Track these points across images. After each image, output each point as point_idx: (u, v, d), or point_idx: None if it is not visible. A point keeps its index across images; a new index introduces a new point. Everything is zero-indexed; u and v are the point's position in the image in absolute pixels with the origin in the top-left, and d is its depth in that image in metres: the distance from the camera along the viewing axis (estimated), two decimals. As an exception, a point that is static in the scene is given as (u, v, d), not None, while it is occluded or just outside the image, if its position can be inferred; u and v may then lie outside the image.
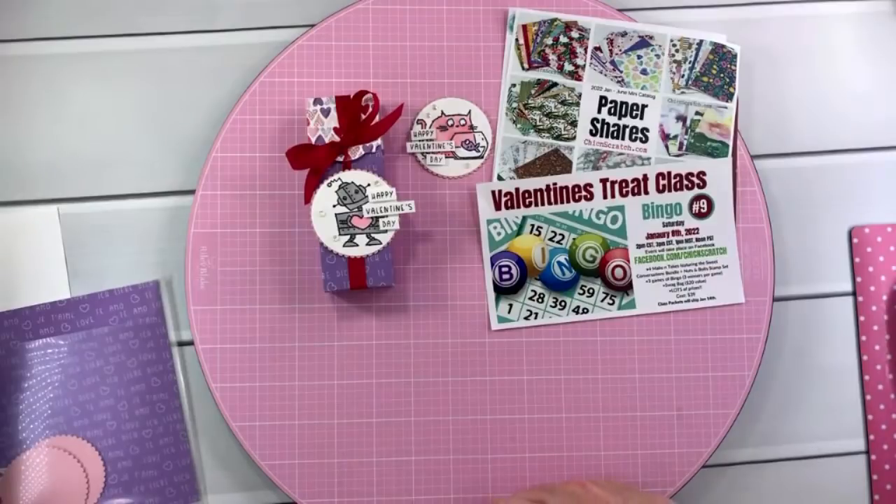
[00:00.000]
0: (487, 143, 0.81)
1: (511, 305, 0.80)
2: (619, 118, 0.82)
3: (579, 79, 0.82)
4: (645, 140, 0.82)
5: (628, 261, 0.81)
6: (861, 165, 0.85)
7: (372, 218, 0.76)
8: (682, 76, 0.82)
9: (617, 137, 0.82)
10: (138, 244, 0.81)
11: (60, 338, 0.79)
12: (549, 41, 0.82)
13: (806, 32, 0.86)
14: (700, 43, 0.83)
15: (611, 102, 0.82)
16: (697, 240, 0.81)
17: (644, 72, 0.82)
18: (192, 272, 0.79)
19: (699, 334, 0.81)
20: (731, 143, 0.82)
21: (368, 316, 0.80)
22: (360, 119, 0.77)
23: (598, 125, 0.82)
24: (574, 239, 0.81)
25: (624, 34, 0.82)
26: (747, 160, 0.82)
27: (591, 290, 0.81)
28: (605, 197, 0.81)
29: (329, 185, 0.76)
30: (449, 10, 0.82)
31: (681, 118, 0.82)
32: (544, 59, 0.82)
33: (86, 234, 0.81)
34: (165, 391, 0.79)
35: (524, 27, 0.82)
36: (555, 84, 0.82)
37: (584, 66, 0.82)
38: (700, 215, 0.81)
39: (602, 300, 0.81)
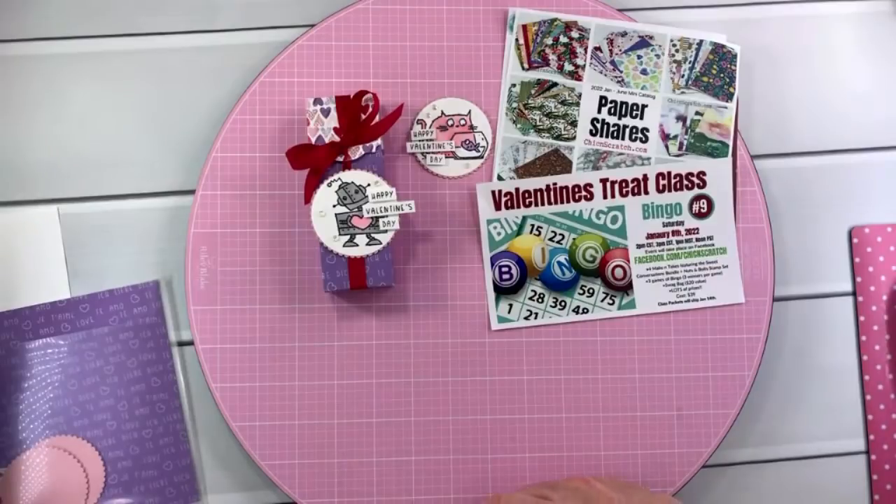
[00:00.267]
0: (487, 143, 0.81)
1: (511, 305, 0.80)
2: (619, 118, 0.82)
3: (579, 79, 0.82)
4: (645, 140, 0.82)
5: (628, 261, 0.81)
6: (861, 165, 0.85)
7: (372, 218, 0.76)
8: (682, 76, 0.82)
9: (617, 137, 0.82)
10: (138, 244, 0.81)
11: (60, 338, 0.79)
12: (549, 41, 0.82)
13: (806, 32, 0.86)
14: (700, 43, 0.83)
15: (611, 102, 0.82)
16: (697, 240, 0.81)
17: (644, 72, 0.82)
18: (192, 272, 0.79)
19: (699, 334, 0.81)
20: (731, 143, 0.82)
21: (368, 316, 0.80)
22: (360, 119, 0.77)
23: (598, 125, 0.82)
24: (574, 239, 0.81)
25: (624, 34, 0.82)
26: (747, 160, 0.82)
27: (591, 290, 0.81)
28: (605, 197, 0.81)
29: (329, 185, 0.76)
30: (449, 10, 0.82)
31: (681, 118, 0.82)
32: (544, 59, 0.82)
33: (86, 234, 0.81)
34: (165, 391, 0.79)
35: (524, 27, 0.82)
36: (555, 84, 0.82)
37: (584, 66, 0.82)
38: (700, 215, 0.81)
39: (602, 300, 0.81)
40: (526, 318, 0.80)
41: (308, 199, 0.76)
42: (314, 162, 0.77)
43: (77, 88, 0.82)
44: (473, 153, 0.81)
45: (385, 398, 0.79)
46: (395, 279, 0.80)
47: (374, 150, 0.77)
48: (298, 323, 0.79)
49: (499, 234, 0.81)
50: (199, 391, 0.80)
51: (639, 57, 0.82)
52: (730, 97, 0.82)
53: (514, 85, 0.82)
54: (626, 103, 0.82)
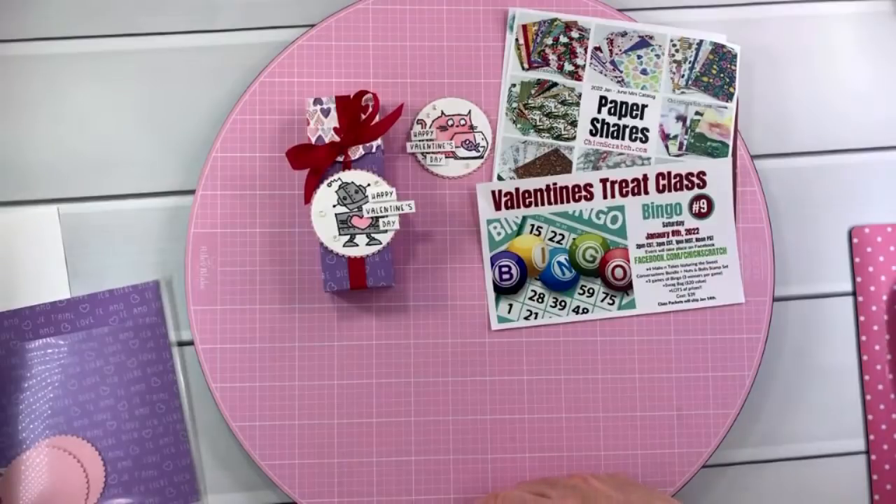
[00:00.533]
0: (487, 143, 0.81)
1: (511, 305, 0.80)
2: (619, 118, 0.82)
3: (579, 79, 0.82)
4: (645, 140, 0.82)
5: (628, 261, 0.81)
6: (861, 165, 0.85)
7: (372, 218, 0.76)
8: (682, 76, 0.82)
9: (617, 137, 0.82)
10: (138, 244, 0.81)
11: (60, 338, 0.79)
12: (549, 41, 0.82)
13: (806, 32, 0.86)
14: (700, 43, 0.83)
15: (611, 102, 0.82)
16: (697, 240, 0.81)
17: (644, 72, 0.82)
18: (192, 272, 0.79)
19: (699, 334, 0.81)
20: (731, 143, 0.82)
21: (368, 316, 0.80)
22: (360, 119, 0.77)
23: (598, 125, 0.82)
24: (574, 239, 0.81)
25: (624, 34, 0.82)
26: (747, 160, 0.82)
27: (591, 290, 0.81)
28: (605, 197, 0.81)
29: (329, 185, 0.76)
30: (449, 10, 0.82)
31: (681, 118, 0.82)
32: (544, 59, 0.82)
33: (86, 234, 0.81)
34: (165, 391, 0.79)
35: (524, 27, 0.82)
36: (555, 84, 0.82)
37: (584, 66, 0.82)
38: (700, 215, 0.81)
39: (602, 300, 0.81)
40: (526, 318, 0.80)
41: (308, 199, 0.76)
42: (314, 162, 0.77)
43: (77, 88, 0.82)
44: (473, 153, 0.81)
45: (385, 398, 0.79)
46: (395, 279, 0.80)
47: (374, 150, 0.77)
48: (298, 323, 0.79)
49: (499, 234, 0.81)
50: (199, 391, 0.80)
51: (639, 57, 0.82)
52: (730, 97, 0.82)
53: (514, 85, 0.82)
54: (626, 103, 0.82)
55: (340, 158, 0.77)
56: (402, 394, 0.79)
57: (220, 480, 0.80)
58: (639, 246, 0.81)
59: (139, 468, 0.78)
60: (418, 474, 0.79)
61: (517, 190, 0.81)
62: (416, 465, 0.79)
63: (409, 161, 0.81)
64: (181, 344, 0.80)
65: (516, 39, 0.82)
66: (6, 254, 0.80)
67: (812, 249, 0.84)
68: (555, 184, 0.81)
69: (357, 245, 0.76)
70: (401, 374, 0.79)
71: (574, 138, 0.82)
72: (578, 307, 0.81)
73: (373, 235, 0.76)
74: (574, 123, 0.82)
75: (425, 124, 0.81)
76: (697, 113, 0.82)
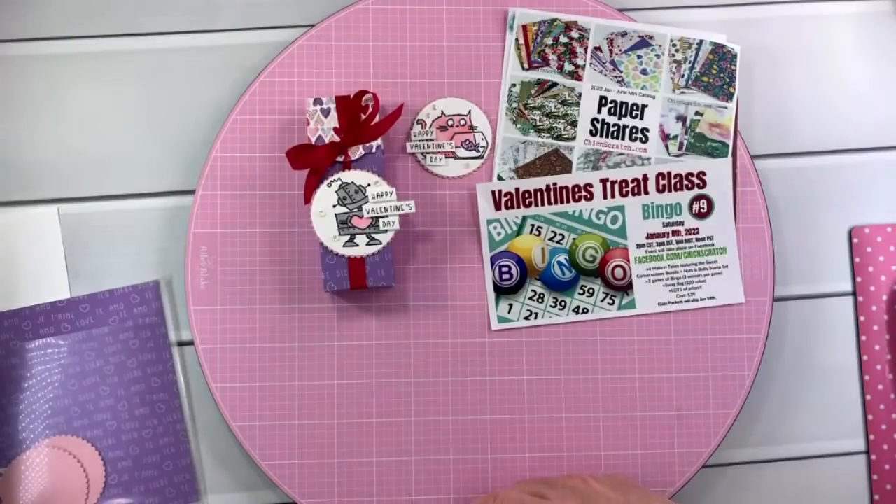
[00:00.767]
0: (487, 143, 0.81)
1: (511, 305, 0.80)
2: (619, 118, 0.82)
3: (579, 79, 0.82)
4: (645, 140, 0.82)
5: (628, 261, 0.81)
6: (861, 165, 0.85)
7: (372, 218, 0.76)
8: (682, 76, 0.82)
9: (617, 137, 0.82)
10: (138, 244, 0.81)
11: (60, 338, 0.79)
12: (549, 41, 0.82)
13: (806, 32, 0.86)
14: (700, 43, 0.83)
15: (611, 102, 0.82)
16: (697, 240, 0.81)
17: (644, 72, 0.82)
18: (192, 272, 0.79)
19: (699, 334, 0.81)
20: (731, 143, 0.82)
21: (368, 316, 0.80)
22: (360, 119, 0.77)
23: (598, 125, 0.82)
24: (574, 239, 0.81)
25: (624, 34, 0.82)
26: (747, 160, 0.82)
27: (591, 290, 0.81)
28: (605, 197, 0.81)
29: (329, 185, 0.76)
30: (449, 10, 0.82)
31: (681, 118, 0.82)
32: (544, 59, 0.82)
33: (86, 234, 0.81)
34: (165, 391, 0.79)
35: (524, 27, 0.82)
36: (555, 84, 0.82)
37: (584, 66, 0.82)
38: (700, 215, 0.81)
39: (602, 300, 0.81)
40: (526, 318, 0.80)
41: (308, 199, 0.76)
42: (314, 162, 0.77)
43: (77, 88, 0.82)
44: (473, 153, 0.81)
45: (385, 398, 0.79)
46: (395, 279, 0.80)
47: (374, 150, 0.77)
48: (298, 323, 0.79)
49: (499, 234, 0.81)
50: (199, 391, 0.80)
51: (639, 57, 0.82)
52: (730, 97, 0.82)
53: (514, 85, 0.82)
54: (626, 103, 0.82)
55: (340, 158, 0.77)
56: (402, 394, 0.79)
57: (220, 480, 0.80)
58: (639, 246, 0.81)
59: (139, 468, 0.78)
60: (418, 474, 0.79)
61: (517, 190, 0.81)
62: (416, 465, 0.79)
63: (409, 161, 0.81)
64: (181, 344, 0.80)
65: (516, 39, 0.82)
66: (6, 254, 0.80)
67: (812, 249, 0.84)
68: (555, 184, 0.81)
69: (357, 245, 0.76)
70: (401, 374, 0.79)
71: (574, 138, 0.82)
72: (578, 307, 0.81)
73: (373, 235, 0.76)
74: (574, 123, 0.82)
75: (425, 124, 0.81)
76: (697, 113, 0.82)
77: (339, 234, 0.76)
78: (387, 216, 0.76)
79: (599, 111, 0.82)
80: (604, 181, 0.81)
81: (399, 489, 0.78)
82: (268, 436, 0.78)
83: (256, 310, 0.79)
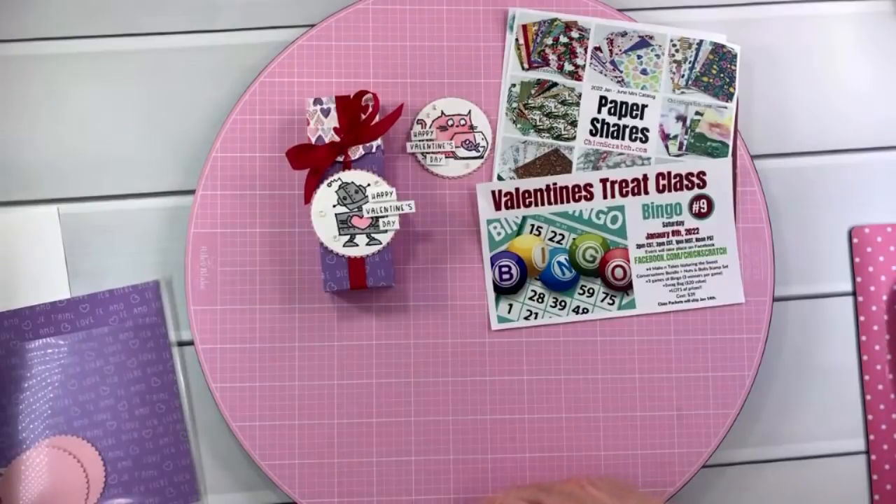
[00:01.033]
0: (487, 143, 0.81)
1: (511, 305, 0.80)
2: (619, 118, 0.82)
3: (579, 79, 0.82)
4: (645, 140, 0.82)
5: (628, 261, 0.81)
6: (861, 165, 0.85)
7: (372, 218, 0.76)
8: (682, 76, 0.82)
9: (617, 137, 0.82)
10: (138, 244, 0.81)
11: (60, 338, 0.79)
12: (549, 41, 0.82)
13: (806, 32, 0.86)
14: (700, 43, 0.83)
15: (611, 102, 0.82)
16: (697, 240, 0.81)
17: (644, 72, 0.82)
18: (192, 272, 0.79)
19: (699, 334, 0.81)
20: (731, 143, 0.82)
21: (368, 316, 0.80)
22: (360, 119, 0.77)
23: (598, 125, 0.82)
24: (574, 239, 0.81)
25: (624, 34, 0.82)
26: (747, 160, 0.82)
27: (591, 290, 0.81)
28: (605, 197, 0.81)
29: (329, 185, 0.76)
30: (449, 10, 0.82)
31: (681, 118, 0.82)
32: (544, 59, 0.82)
33: (86, 234, 0.81)
34: (165, 391, 0.79)
35: (524, 27, 0.82)
36: (555, 84, 0.82)
37: (584, 66, 0.82)
38: (700, 215, 0.81)
39: (602, 300, 0.81)
40: (526, 318, 0.80)
41: (308, 199, 0.76)
42: (314, 162, 0.77)
43: (77, 88, 0.82)
44: (473, 153, 0.81)
45: (385, 398, 0.79)
46: (395, 279, 0.80)
47: (374, 150, 0.77)
48: (298, 323, 0.79)
49: (499, 234, 0.81)
50: (199, 391, 0.80)
51: (639, 57, 0.82)
52: (730, 97, 0.82)
53: (514, 85, 0.82)
54: (626, 103, 0.82)
55: (340, 158, 0.77)
56: (402, 394, 0.79)
57: (220, 480, 0.80)
58: (639, 246, 0.81)
59: (139, 468, 0.78)
60: (418, 474, 0.79)
61: (517, 190, 0.81)
62: (416, 465, 0.79)
63: (409, 161, 0.81)
64: (181, 344, 0.80)
65: (516, 39, 0.82)
66: (6, 254, 0.80)
67: (812, 249, 0.84)
68: (555, 184, 0.81)
69: (357, 245, 0.76)
70: (401, 374, 0.79)
71: (574, 138, 0.82)
72: (578, 307, 0.81)
73: (373, 235, 0.76)
74: (574, 123, 0.82)
75: (425, 124, 0.81)
76: (697, 113, 0.82)
77: (339, 234, 0.76)
78: (387, 216, 0.76)
79: (599, 111, 0.82)
80: (604, 181, 0.81)
81: (399, 489, 0.78)
82: (268, 436, 0.78)
83: (256, 310, 0.79)
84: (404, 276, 0.80)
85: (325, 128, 0.77)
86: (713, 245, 0.81)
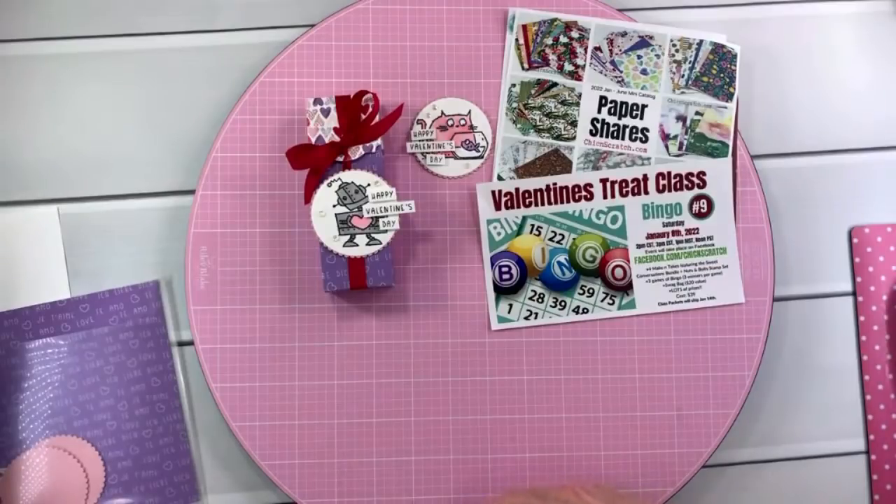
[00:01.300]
0: (487, 143, 0.81)
1: (511, 305, 0.80)
2: (619, 118, 0.82)
3: (579, 79, 0.82)
4: (645, 140, 0.82)
5: (628, 261, 0.81)
6: (861, 165, 0.85)
7: (372, 218, 0.76)
8: (682, 76, 0.82)
9: (617, 137, 0.82)
10: (138, 244, 0.81)
11: (60, 338, 0.79)
12: (549, 41, 0.82)
13: (806, 32, 0.86)
14: (700, 43, 0.83)
15: (611, 102, 0.82)
16: (697, 240, 0.81)
17: (644, 72, 0.82)
18: (192, 272, 0.79)
19: (699, 334, 0.81)
20: (731, 143, 0.82)
21: (368, 316, 0.80)
22: (360, 119, 0.77)
23: (598, 125, 0.82)
24: (574, 239, 0.81)
25: (624, 34, 0.82)
26: (747, 160, 0.82)
27: (591, 290, 0.81)
28: (605, 197, 0.81)
29: (329, 185, 0.76)
30: (449, 10, 0.82)
31: (681, 118, 0.82)
32: (544, 59, 0.82)
33: (86, 234, 0.81)
34: (165, 391, 0.79)
35: (524, 27, 0.82)
36: (555, 84, 0.82)
37: (584, 66, 0.82)
38: (700, 215, 0.81)
39: (602, 300, 0.81)
40: (526, 318, 0.80)
41: (308, 199, 0.76)
42: (314, 162, 0.77)
43: (77, 88, 0.82)
44: (473, 153, 0.81)
45: (385, 398, 0.79)
46: (395, 279, 0.80)
47: (374, 150, 0.77)
48: (298, 323, 0.79)
49: (499, 234, 0.81)
50: (199, 391, 0.80)
51: (639, 57, 0.82)
52: (730, 97, 0.82)
53: (514, 85, 0.82)
54: (626, 103, 0.82)
55: (340, 158, 0.77)
56: (402, 394, 0.79)
57: (220, 480, 0.80)
58: (639, 246, 0.81)
59: (139, 468, 0.78)
60: (418, 474, 0.79)
61: (517, 190, 0.81)
62: (416, 465, 0.79)
63: (409, 161, 0.81)
64: (181, 344, 0.80)
65: (516, 39, 0.82)
66: (6, 254, 0.80)
67: (812, 249, 0.84)
68: (555, 184, 0.81)
69: (357, 245, 0.76)
70: (401, 374, 0.79)
71: (574, 138, 0.82)
72: (578, 307, 0.81)
73: (373, 235, 0.76)
74: (574, 123, 0.82)
75: (425, 124, 0.81)
76: (697, 113, 0.82)
77: (339, 234, 0.76)
78: (387, 216, 0.76)
79: (599, 111, 0.82)
80: (604, 181, 0.81)
81: (399, 489, 0.78)
82: (268, 436, 0.78)
83: (256, 310, 0.79)
84: (404, 276, 0.80)
85: (325, 128, 0.78)
86: (713, 245, 0.81)
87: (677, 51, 0.83)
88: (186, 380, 0.80)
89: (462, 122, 0.81)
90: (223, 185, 0.80)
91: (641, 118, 0.82)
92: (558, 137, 0.82)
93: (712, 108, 0.82)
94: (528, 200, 0.81)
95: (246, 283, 0.79)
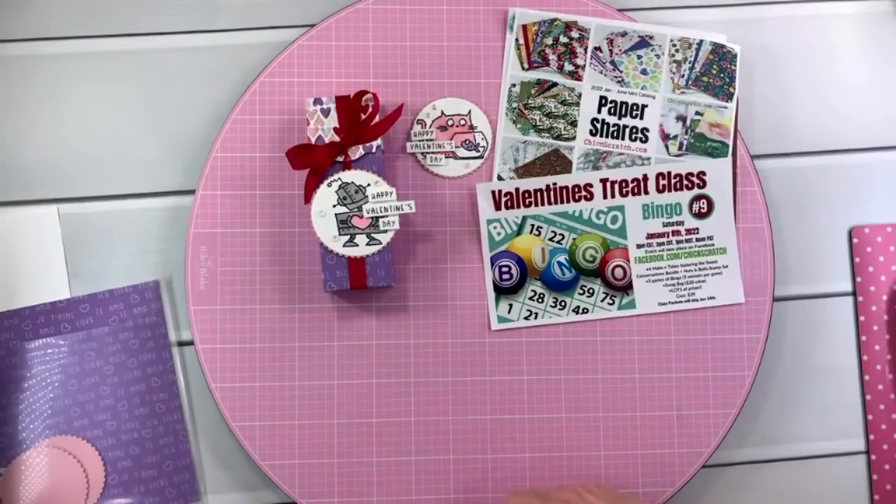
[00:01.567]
0: (487, 143, 0.81)
1: (511, 305, 0.80)
2: (619, 118, 0.82)
3: (579, 79, 0.82)
4: (645, 140, 0.82)
5: (628, 261, 0.81)
6: (861, 165, 0.85)
7: (372, 218, 0.76)
8: (682, 76, 0.82)
9: (617, 137, 0.82)
10: (138, 244, 0.81)
11: (60, 338, 0.79)
12: (549, 41, 0.82)
13: (806, 32, 0.86)
14: (700, 43, 0.83)
15: (611, 102, 0.82)
16: (697, 240, 0.81)
17: (644, 72, 0.82)
18: (192, 272, 0.79)
19: (699, 334, 0.81)
20: (731, 143, 0.82)
21: (368, 316, 0.80)
22: (360, 119, 0.77)
23: (598, 125, 0.82)
24: (574, 239, 0.81)
25: (624, 34, 0.82)
26: (747, 160, 0.82)
27: (591, 290, 0.81)
28: (605, 197, 0.81)
29: (329, 185, 0.76)
30: (449, 10, 0.82)
31: (681, 118, 0.82)
32: (544, 59, 0.82)
33: (86, 234, 0.81)
34: (165, 391, 0.79)
35: (524, 27, 0.82)
36: (555, 84, 0.82)
37: (584, 66, 0.82)
38: (700, 215, 0.81)
39: (602, 300, 0.81)
40: (526, 318, 0.80)
41: (308, 199, 0.76)
42: (314, 162, 0.77)
43: (77, 88, 0.82)
44: (473, 153, 0.81)
45: (385, 398, 0.79)
46: (395, 279, 0.80)
47: (374, 150, 0.77)
48: (298, 323, 0.79)
49: (499, 234, 0.81)
50: (199, 391, 0.80)
51: (639, 57, 0.82)
52: (730, 97, 0.82)
53: (514, 85, 0.82)
54: (626, 103, 0.82)
55: (340, 158, 0.77)
56: (402, 394, 0.79)
57: (220, 480, 0.80)
58: (639, 246, 0.81)
59: (139, 468, 0.78)
60: (418, 474, 0.79)
61: (517, 190, 0.81)
62: (416, 465, 0.79)
63: (409, 161, 0.81)
64: (181, 344, 0.80)
65: (516, 39, 0.82)
66: (6, 254, 0.80)
67: (812, 249, 0.84)
68: (555, 184, 0.81)
69: (357, 245, 0.76)
70: (401, 374, 0.79)
71: (574, 138, 0.82)
72: (578, 307, 0.81)
73: (373, 235, 0.76)
74: (574, 123, 0.82)
75: (425, 124, 0.81)
76: (697, 113, 0.82)
77: (339, 234, 0.76)
78: (387, 216, 0.76)
79: (599, 111, 0.82)
80: (604, 181, 0.81)
81: (399, 489, 0.78)
82: (268, 436, 0.78)
83: (256, 310, 0.79)
84: (404, 276, 0.80)
85: (325, 128, 0.78)
86: (713, 245, 0.81)
87: (677, 51, 0.83)
88: (186, 380, 0.80)
89: (462, 122, 0.81)
90: (223, 185, 0.80)
91: (641, 118, 0.82)
92: (558, 137, 0.82)
93: (712, 108, 0.82)
94: (528, 200, 0.81)
95: (246, 283, 0.79)
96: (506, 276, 0.80)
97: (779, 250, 0.84)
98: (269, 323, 0.79)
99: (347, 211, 0.76)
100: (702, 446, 0.80)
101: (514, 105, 0.82)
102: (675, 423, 0.80)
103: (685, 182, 0.81)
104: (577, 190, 0.81)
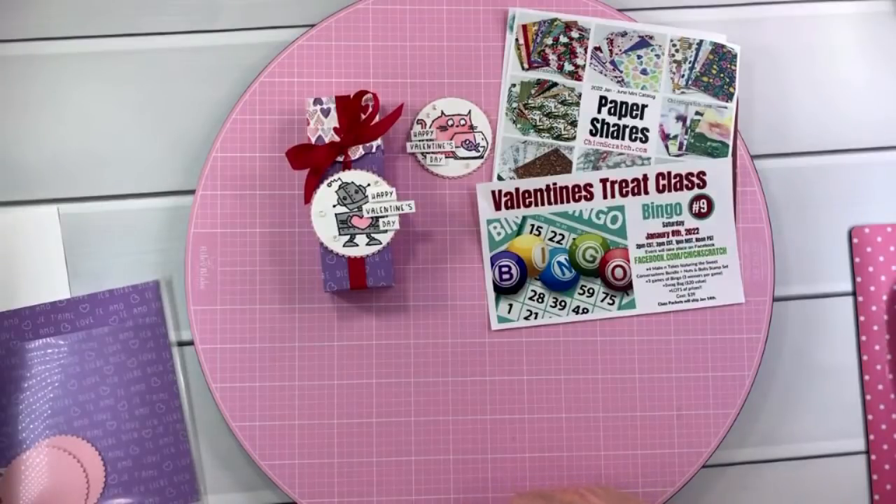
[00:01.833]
0: (487, 143, 0.81)
1: (511, 305, 0.80)
2: (619, 118, 0.82)
3: (579, 79, 0.82)
4: (645, 140, 0.82)
5: (628, 261, 0.81)
6: (861, 165, 0.85)
7: (372, 218, 0.76)
8: (682, 76, 0.82)
9: (617, 137, 0.82)
10: (138, 244, 0.81)
11: (60, 338, 0.79)
12: (549, 41, 0.82)
13: (806, 32, 0.86)
14: (700, 43, 0.83)
15: (611, 102, 0.82)
16: (697, 240, 0.81)
17: (644, 72, 0.82)
18: (192, 272, 0.79)
19: (699, 334, 0.81)
20: (731, 143, 0.82)
21: (368, 316, 0.80)
22: (360, 119, 0.77)
23: (598, 125, 0.82)
24: (574, 239, 0.81)
25: (624, 34, 0.82)
26: (747, 160, 0.82)
27: (591, 290, 0.81)
28: (605, 197, 0.81)
29: (329, 185, 0.76)
30: (449, 10, 0.82)
31: (681, 118, 0.82)
32: (544, 59, 0.82)
33: (86, 234, 0.81)
34: (165, 391, 0.79)
35: (524, 27, 0.82)
36: (555, 84, 0.82)
37: (584, 66, 0.82)
38: (700, 215, 0.81)
39: (602, 300, 0.81)
40: (526, 318, 0.80)
41: (308, 199, 0.76)
42: (314, 162, 0.77)
43: (77, 88, 0.82)
44: (473, 153, 0.81)
45: (385, 398, 0.79)
46: (395, 279, 0.80)
47: (374, 150, 0.77)
48: (298, 323, 0.79)
49: (499, 234, 0.81)
50: (199, 391, 0.80)
51: (639, 57, 0.82)
52: (730, 97, 0.82)
53: (514, 85, 0.82)
54: (626, 103, 0.82)
55: (340, 158, 0.77)
56: (402, 394, 0.79)
57: (220, 480, 0.80)
58: (639, 246, 0.81)
59: (139, 468, 0.78)
60: (418, 474, 0.79)
61: (517, 190, 0.81)
62: (416, 465, 0.79)
63: (409, 161, 0.81)
64: (181, 344, 0.81)
65: (516, 39, 0.82)
66: (6, 254, 0.80)
67: (812, 249, 0.84)
68: (555, 184, 0.81)
69: (357, 245, 0.76)
70: (401, 374, 0.79)
71: (574, 138, 0.82)
72: (578, 307, 0.81)
73: (373, 235, 0.76)
74: (574, 123, 0.82)
75: (425, 124, 0.81)
76: (697, 113, 0.82)
77: (339, 234, 0.76)
78: (387, 216, 0.76)
79: (599, 111, 0.82)
80: (604, 181, 0.81)
81: (399, 489, 0.78)
82: (268, 436, 0.78)
83: (256, 310, 0.79)
84: (404, 276, 0.80)
85: (325, 128, 0.78)
86: (713, 245, 0.81)
87: (677, 51, 0.83)
88: (186, 380, 0.80)
89: (462, 122, 0.81)
90: (223, 185, 0.80)
91: (641, 118, 0.82)
92: (558, 137, 0.82)
93: (712, 108, 0.82)
94: (528, 200, 0.81)
95: (246, 283, 0.79)
96: (506, 276, 0.80)
97: (779, 250, 0.84)
98: (269, 323, 0.79)
99: (347, 211, 0.76)
100: (702, 446, 0.80)
101: (514, 105, 0.82)
102: (675, 423, 0.80)
103: (685, 182, 0.81)
104: (577, 190, 0.81)
